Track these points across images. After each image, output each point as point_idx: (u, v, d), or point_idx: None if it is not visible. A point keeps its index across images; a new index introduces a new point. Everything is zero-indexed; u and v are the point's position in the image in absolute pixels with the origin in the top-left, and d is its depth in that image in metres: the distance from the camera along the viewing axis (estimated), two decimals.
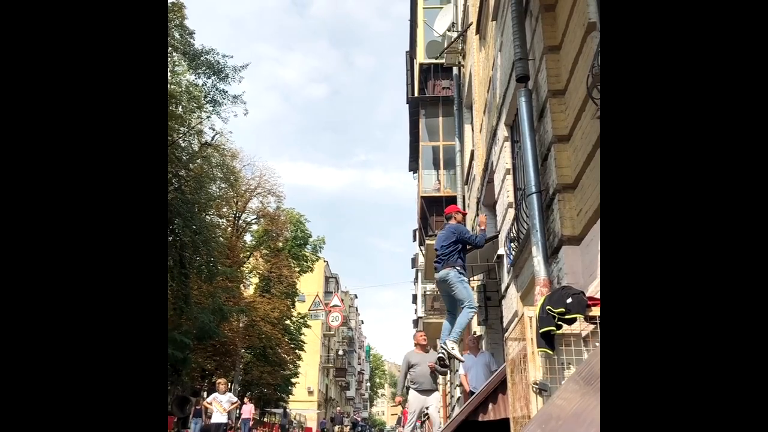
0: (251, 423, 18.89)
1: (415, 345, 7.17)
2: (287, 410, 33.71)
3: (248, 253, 30.02)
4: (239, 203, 28.76)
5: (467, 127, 11.65)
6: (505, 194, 6.58)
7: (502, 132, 6.63)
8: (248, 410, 17.59)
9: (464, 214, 7.52)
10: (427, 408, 6.88)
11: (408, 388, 6.92)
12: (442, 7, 14.11)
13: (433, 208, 13.42)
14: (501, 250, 7.27)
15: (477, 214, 9.73)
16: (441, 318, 15.64)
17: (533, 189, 4.61)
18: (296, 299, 32.09)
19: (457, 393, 11.19)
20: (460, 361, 6.07)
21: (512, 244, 6.27)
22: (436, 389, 7.25)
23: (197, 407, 16.15)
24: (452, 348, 5.86)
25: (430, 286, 20.91)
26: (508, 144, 6.56)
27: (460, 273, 5.88)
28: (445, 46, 11.71)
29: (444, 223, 6.62)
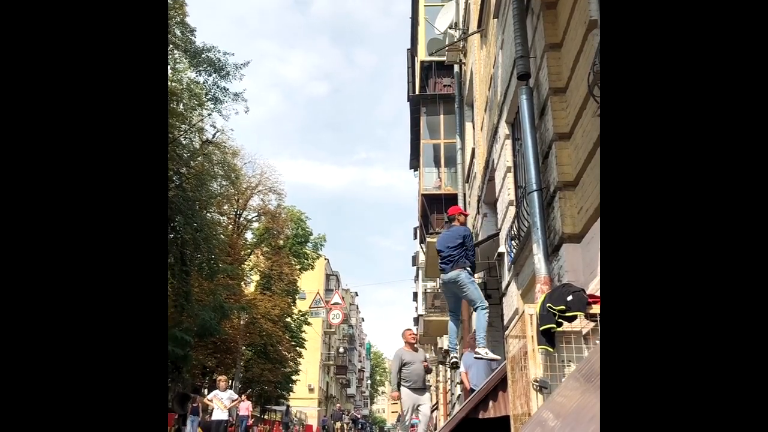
0: (250, 421, 18.86)
1: (405, 343, 7.21)
2: (290, 408, 33.70)
3: (249, 250, 30.05)
4: (240, 201, 28.78)
5: (468, 125, 11.63)
6: (506, 192, 6.58)
7: (503, 130, 6.63)
8: (245, 407, 17.53)
9: (466, 216, 7.52)
10: (419, 406, 6.96)
11: (398, 384, 7.01)
12: (443, 5, 14.08)
13: (433, 205, 13.42)
14: (502, 248, 7.27)
15: (478, 212, 9.73)
16: (441, 316, 15.68)
17: (534, 187, 4.61)
18: (297, 297, 32.09)
19: (458, 390, 11.21)
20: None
21: (513, 242, 6.27)
22: (427, 388, 7.36)
23: (194, 405, 16.13)
24: (486, 353, 6.00)
25: (431, 284, 20.92)
26: (509, 142, 6.56)
27: (470, 274, 5.93)
28: (447, 43, 11.69)
29: (445, 222, 6.62)
